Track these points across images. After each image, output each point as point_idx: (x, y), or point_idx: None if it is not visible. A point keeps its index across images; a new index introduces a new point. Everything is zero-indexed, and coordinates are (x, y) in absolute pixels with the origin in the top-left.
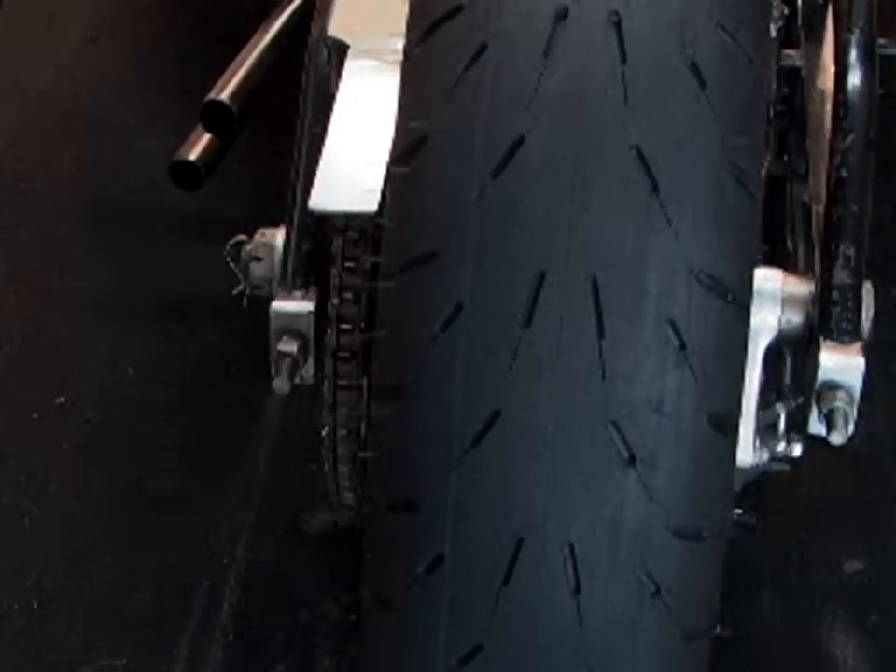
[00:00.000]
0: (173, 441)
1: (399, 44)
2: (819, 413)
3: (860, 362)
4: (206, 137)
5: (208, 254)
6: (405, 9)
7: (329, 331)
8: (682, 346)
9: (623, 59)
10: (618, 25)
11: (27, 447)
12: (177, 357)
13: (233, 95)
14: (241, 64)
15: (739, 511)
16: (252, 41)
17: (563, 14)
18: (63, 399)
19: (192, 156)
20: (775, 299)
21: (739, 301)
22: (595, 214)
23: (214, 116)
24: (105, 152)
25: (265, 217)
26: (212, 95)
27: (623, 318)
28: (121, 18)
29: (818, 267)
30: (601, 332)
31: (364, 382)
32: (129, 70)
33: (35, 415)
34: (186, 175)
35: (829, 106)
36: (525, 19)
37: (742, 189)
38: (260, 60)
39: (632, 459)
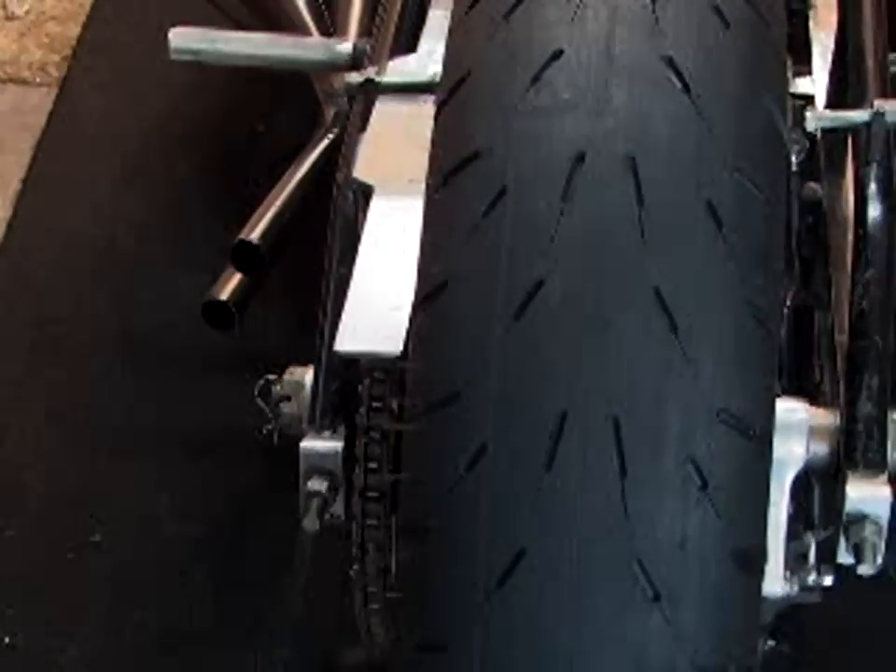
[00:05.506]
0: (208, 578)
1: (421, 188)
2: (848, 543)
3: (886, 493)
4: (237, 277)
5: (242, 390)
6: (426, 156)
7: (357, 470)
8: (704, 485)
9: (640, 201)
10: (634, 169)
11: (62, 586)
12: (213, 493)
13: (263, 235)
14: (270, 205)
15: (772, 642)
16: (281, 182)
17: (580, 158)
18: (98, 537)
19: (224, 296)
20: (801, 430)
21: (761, 437)
22: (615, 354)
23: (244, 255)
24: (140, 290)
25: (299, 354)
26: (242, 235)
27: (644, 458)
28: (157, 158)
29: (842, 398)
30: (623, 472)
31: (392, 521)
32: (163, 209)
33: (70, 555)
34: (218, 314)
35: (851, 237)
36: (542, 163)
37: (761, 326)
38: (289, 201)
39: (657, 597)
